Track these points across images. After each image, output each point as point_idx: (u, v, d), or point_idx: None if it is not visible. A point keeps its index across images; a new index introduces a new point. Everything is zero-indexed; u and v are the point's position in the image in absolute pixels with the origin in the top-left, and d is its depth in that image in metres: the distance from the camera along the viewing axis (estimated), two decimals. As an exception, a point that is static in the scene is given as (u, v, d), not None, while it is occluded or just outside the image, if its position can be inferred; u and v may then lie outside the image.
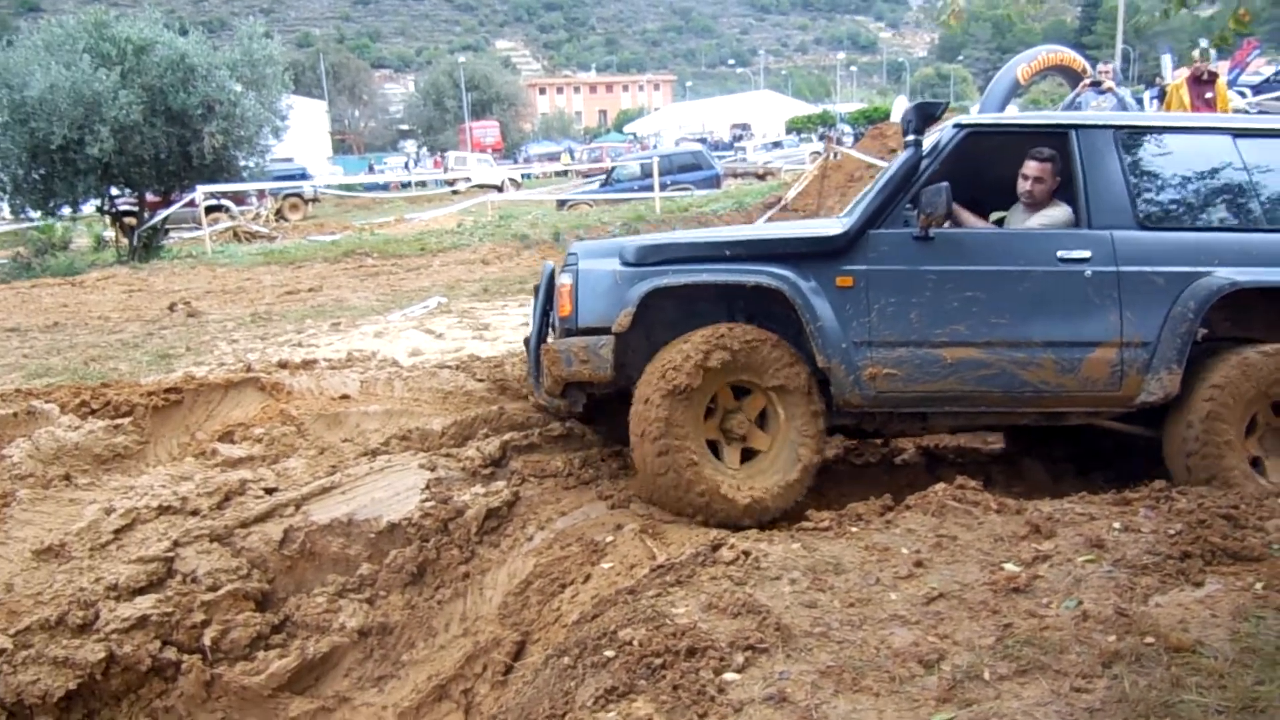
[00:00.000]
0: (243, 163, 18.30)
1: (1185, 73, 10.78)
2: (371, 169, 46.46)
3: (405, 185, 39.51)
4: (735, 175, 29.40)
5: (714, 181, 23.19)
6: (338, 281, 12.88)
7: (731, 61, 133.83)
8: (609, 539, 3.99)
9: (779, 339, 4.21)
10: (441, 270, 13.78)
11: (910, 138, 4.32)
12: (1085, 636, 2.53)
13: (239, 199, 23.83)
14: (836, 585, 3.02)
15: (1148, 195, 4.40)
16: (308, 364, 6.17)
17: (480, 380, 5.74)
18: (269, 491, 4.34)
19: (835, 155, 12.83)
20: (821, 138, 31.59)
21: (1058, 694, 2.30)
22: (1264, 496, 3.66)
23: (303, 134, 41.86)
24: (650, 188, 19.33)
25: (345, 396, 5.51)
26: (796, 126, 53.62)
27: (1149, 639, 2.47)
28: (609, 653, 2.73)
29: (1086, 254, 4.25)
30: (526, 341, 5.02)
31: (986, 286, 4.24)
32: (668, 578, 3.22)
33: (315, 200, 29.85)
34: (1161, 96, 21.49)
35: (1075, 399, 4.31)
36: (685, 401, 4.07)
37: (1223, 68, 10.89)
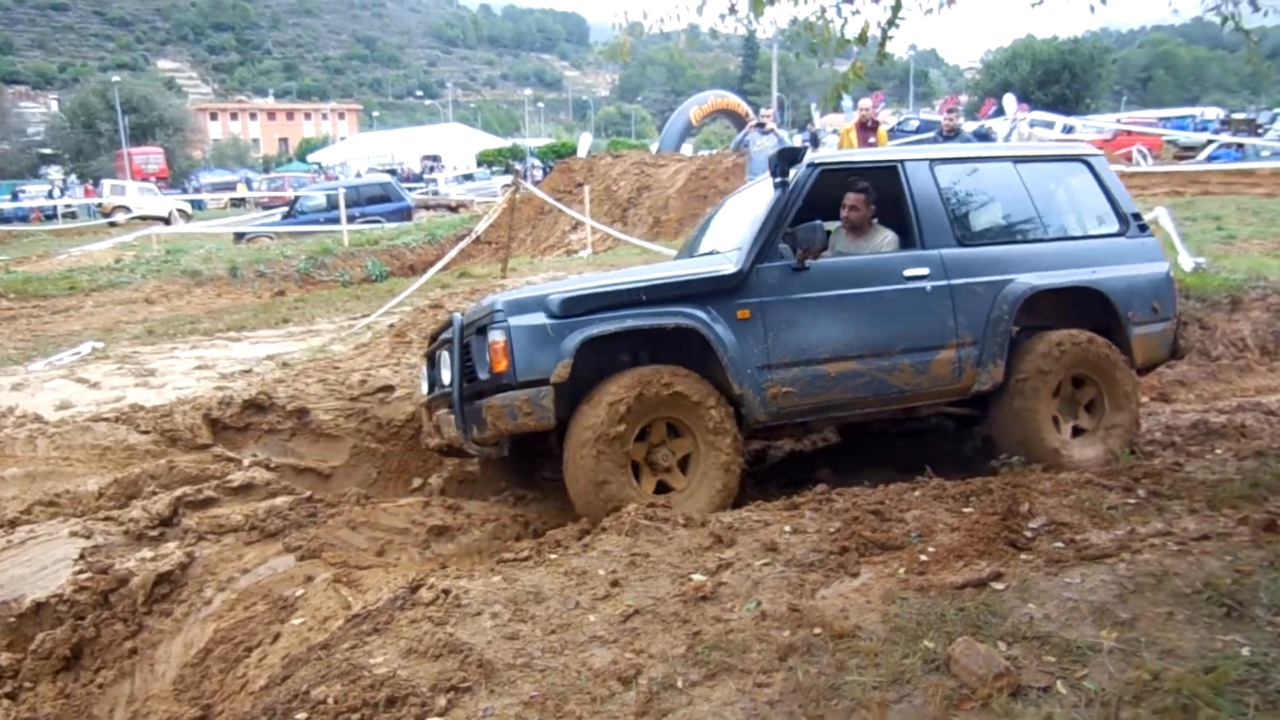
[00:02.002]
0: None
1: (856, 117, 12.13)
2: (16, 196, 40.15)
3: (50, 216, 35.02)
4: (427, 207, 29.02)
5: (405, 213, 22.73)
6: (-38, 328, 11.11)
7: (419, 93, 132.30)
8: (299, 593, 3.75)
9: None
10: (96, 311, 12.35)
11: (779, 180, 4.85)
12: (764, 635, 2.73)
13: None
14: (538, 614, 3.04)
15: (961, 217, 5.18)
16: (-78, 425, 5.27)
17: (145, 432, 5.21)
18: None
19: (520, 191, 13.05)
20: (507, 171, 32.00)
21: (743, 692, 2.46)
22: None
23: (-88, 156, 35.85)
24: (337, 219, 18.59)
25: (-27, 461, 4.77)
26: (487, 160, 53.93)
27: (817, 630, 2.72)
28: (301, 715, 2.56)
29: (925, 271, 4.95)
30: (430, 399, 5.12)
31: (855, 306, 4.83)
32: (364, 627, 3.09)
33: (-70, 233, 25.61)
34: (812, 140, 24.02)
35: (929, 394, 5.01)
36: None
37: (855, 117, 12.36)
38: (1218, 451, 4.83)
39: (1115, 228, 5.50)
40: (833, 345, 4.75)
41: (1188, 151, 25.17)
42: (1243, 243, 10.30)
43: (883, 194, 5.23)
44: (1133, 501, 3.69)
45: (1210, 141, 23.91)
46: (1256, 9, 4.57)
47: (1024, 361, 5.02)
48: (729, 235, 5.31)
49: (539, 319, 4.40)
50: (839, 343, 4.76)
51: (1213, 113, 41.15)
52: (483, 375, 4.46)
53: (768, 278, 4.72)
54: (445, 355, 4.83)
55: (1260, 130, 28.36)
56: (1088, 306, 5.27)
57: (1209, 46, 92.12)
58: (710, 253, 5.23)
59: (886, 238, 5.19)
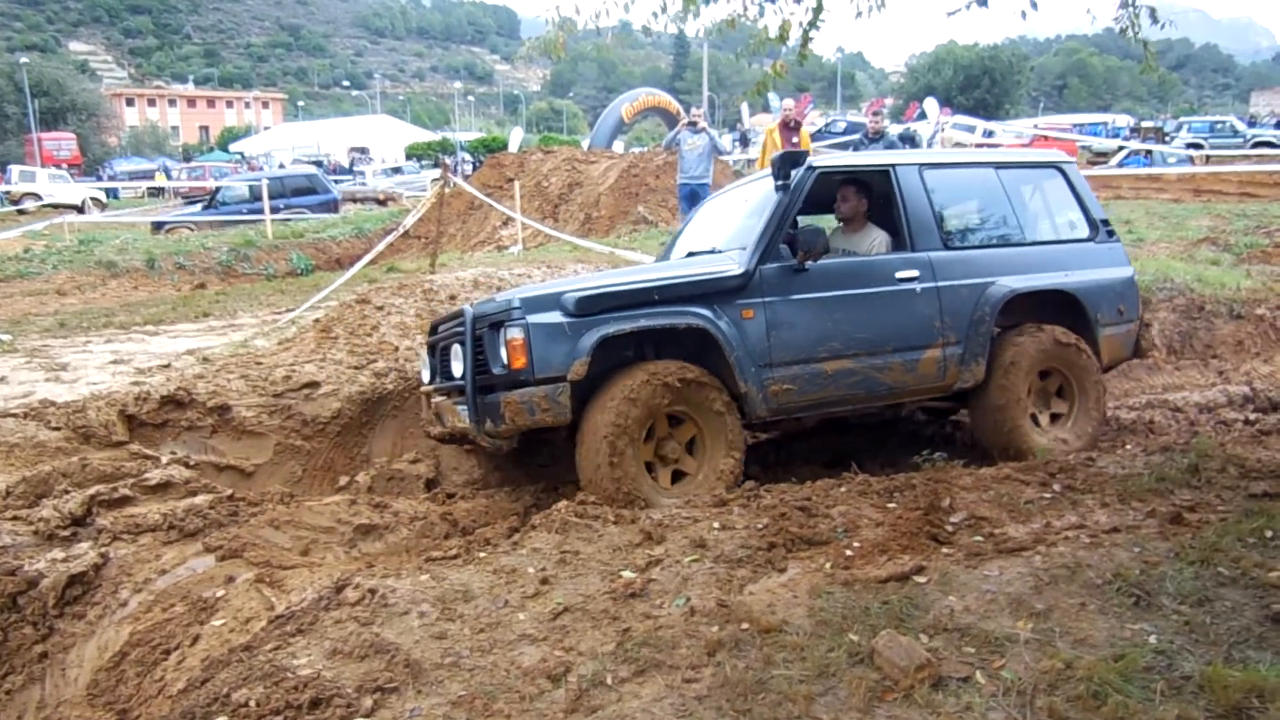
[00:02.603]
0: None
1: (780, 118, 12.26)
2: None
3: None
4: (355, 200, 28.46)
5: (332, 206, 22.28)
6: None
7: (346, 83, 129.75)
8: (220, 593, 3.66)
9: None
10: (3, 303, 11.84)
11: (780, 182, 4.96)
12: (693, 631, 2.76)
13: None
14: (466, 613, 3.01)
15: (947, 220, 5.34)
16: None
17: (56, 429, 5.02)
18: None
19: (450, 185, 12.89)
20: (436, 164, 31.53)
21: (671, 688, 2.48)
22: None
23: None
24: (260, 211, 18.13)
25: None
26: (416, 153, 53.12)
27: (745, 625, 2.75)
28: (221, 719, 2.50)
29: (915, 273, 5.13)
30: (434, 388, 5.17)
31: (850, 307, 4.96)
32: (288, 628, 3.02)
33: None
34: (742, 139, 24.17)
35: (914, 391, 5.21)
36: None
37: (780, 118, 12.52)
38: (1128, 447, 5.00)
39: (1086, 233, 5.79)
40: (830, 344, 4.89)
41: (1100, 157, 26.13)
42: (1151, 245, 10.71)
43: (876, 197, 5.39)
44: (1048, 496, 3.81)
45: (1121, 148, 24.81)
46: (1155, 21, 4.78)
47: (997, 365, 5.25)
48: (721, 236, 5.43)
49: (555, 317, 4.45)
50: (836, 342, 4.91)
51: (1123, 120, 42.73)
52: (497, 370, 4.48)
53: (770, 278, 4.83)
54: (457, 348, 4.84)
55: (1167, 138, 29.56)
56: (1060, 308, 5.51)
57: (1120, 57, 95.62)
58: (710, 251, 5.30)
59: (879, 238, 5.37)
